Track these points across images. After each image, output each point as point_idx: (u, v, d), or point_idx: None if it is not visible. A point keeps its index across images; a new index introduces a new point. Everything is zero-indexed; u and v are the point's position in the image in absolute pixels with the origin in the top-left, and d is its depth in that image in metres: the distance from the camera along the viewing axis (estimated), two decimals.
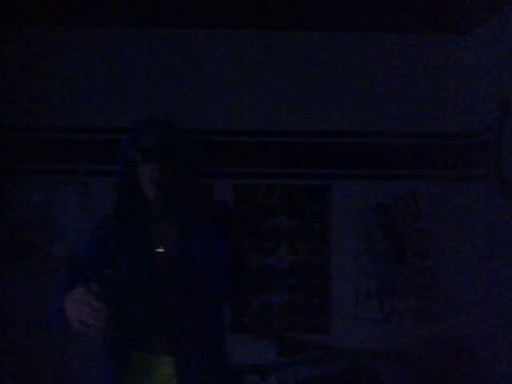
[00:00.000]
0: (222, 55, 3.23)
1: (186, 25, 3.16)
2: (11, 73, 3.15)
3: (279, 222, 3.23)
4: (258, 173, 3.23)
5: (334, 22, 3.12)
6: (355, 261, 3.22)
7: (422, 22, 3.08)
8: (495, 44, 2.92)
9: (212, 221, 1.61)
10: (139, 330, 1.55)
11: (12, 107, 3.15)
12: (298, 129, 3.24)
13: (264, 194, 3.23)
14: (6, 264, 3.10)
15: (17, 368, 3.02)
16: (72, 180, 3.17)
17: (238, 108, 3.21)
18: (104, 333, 1.45)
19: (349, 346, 3.11)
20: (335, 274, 3.21)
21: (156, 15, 3.03)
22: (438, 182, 3.24)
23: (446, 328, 3.16)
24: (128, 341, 1.54)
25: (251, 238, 3.21)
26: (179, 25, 3.16)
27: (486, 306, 2.98)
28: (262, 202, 3.23)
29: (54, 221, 3.14)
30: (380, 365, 2.95)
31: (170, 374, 1.54)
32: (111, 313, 1.38)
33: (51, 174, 3.17)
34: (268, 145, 3.23)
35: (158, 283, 1.56)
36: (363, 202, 3.23)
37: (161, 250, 1.60)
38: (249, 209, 3.22)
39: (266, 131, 3.23)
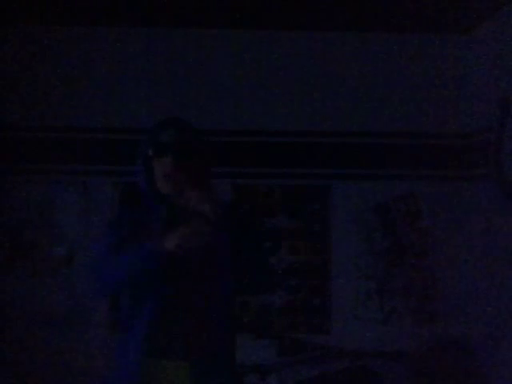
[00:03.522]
0: (222, 55, 3.23)
1: (186, 25, 3.17)
2: (11, 73, 3.15)
3: (279, 222, 3.23)
4: (258, 173, 3.23)
5: (334, 22, 3.12)
6: (355, 261, 3.22)
7: (422, 22, 3.08)
8: (495, 44, 2.92)
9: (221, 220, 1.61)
10: (154, 335, 1.55)
11: (12, 107, 3.15)
12: (298, 129, 3.25)
13: (264, 194, 3.23)
14: (5, 264, 3.11)
15: (17, 368, 3.02)
16: (72, 180, 3.17)
17: (238, 108, 3.21)
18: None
19: (349, 346, 3.11)
20: (335, 274, 3.21)
21: (156, 15, 3.03)
22: (438, 182, 3.24)
23: (445, 328, 3.16)
24: (142, 346, 1.54)
25: (251, 238, 3.21)
26: (179, 25, 3.16)
27: (485, 305, 2.98)
28: (262, 202, 3.23)
29: (54, 221, 3.14)
30: (380, 365, 2.95)
31: (184, 378, 1.54)
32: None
33: (51, 173, 3.17)
34: (268, 145, 3.23)
35: (171, 284, 1.56)
36: (363, 201, 3.23)
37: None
38: (249, 209, 3.22)
39: (265, 131, 3.23)
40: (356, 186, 3.23)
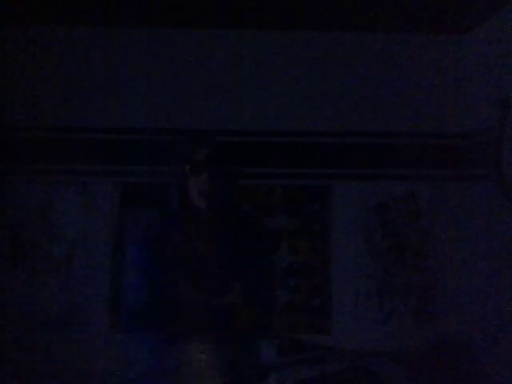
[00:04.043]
0: (222, 55, 3.23)
1: (186, 25, 3.17)
2: (11, 73, 3.15)
3: (279, 222, 3.23)
4: (258, 173, 3.23)
5: (334, 22, 3.12)
6: (355, 261, 3.22)
7: (422, 22, 3.08)
8: (495, 44, 2.92)
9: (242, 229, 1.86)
10: (193, 325, 1.72)
11: (12, 107, 3.15)
12: (298, 129, 3.24)
13: (264, 194, 3.23)
14: (5, 264, 3.11)
15: (17, 368, 3.02)
16: (72, 180, 3.17)
17: (238, 108, 3.21)
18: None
19: (349, 346, 3.11)
20: (335, 274, 3.21)
21: (156, 15, 3.03)
22: (438, 182, 3.24)
23: (445, 328, 3.16)
24: (182, 334, 1.73)
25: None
26: (179, 25, 3.17)
27: (485, 305, 2.98)
28: (262, 201, 3.23)
29: (54, 221, 3.14)
30: (380, 365, 2.95)
31: (216, 361, 1.72)
32: None
33: (51, 174, 3.17)
34: (268, 145, 3.23)
35: (206, 283, 1.73)
36: (363, 201, 3.23)
37: None
38: (249, 209, 3.21)
39: (266, 131, 3.23)
40: (356, 186, 3.23)
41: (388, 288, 3.21)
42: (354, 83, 3.25)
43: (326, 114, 3.24)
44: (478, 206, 3.08)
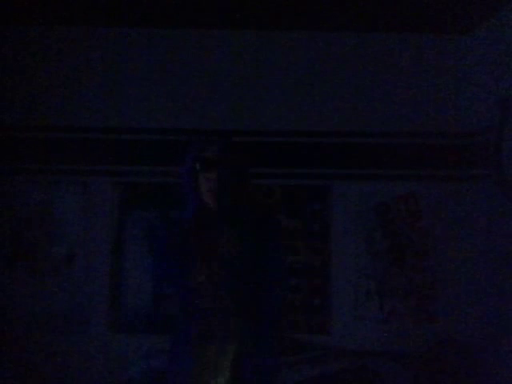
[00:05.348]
0: (222, 55, 3.23)
1: (186, 25, 3.17)
2: (11, 73, 3.15)
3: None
4: (258, 173, 3.23)
5: (334, 22, 3.12)
6: (355, 261, 3.22)
7: (422, 22, 3.08)
8: (495, 44, 2.92)
9: (263, 227, 1.82)
10: (205, 324, 1.75)
11: (12, 107, 3.15)
12: (298, 129, 3.24)
13: (264, 194, 3.23)
14: (5, 264, 3.11)
15: (17, 368, 3.02)
16: (72, 180, 3.17)
17: (237, 108, 3.21)
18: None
19: (349, 346, 3.11)
20: (335, 274, 3.21)
21: (156, 15, 3.03)
22: (438, 182, 3.24)
23: (446, 328, 3.17)
24: (196, 333, 1.75)
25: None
26: (179, 25, 3.17)
27: (485, 305, 2.98)
28: (262, 201, 3.23)
29: (54, 221, 3.14)
30: (380, 365, 2.95)
31: (229, 361, 1.74)
32: None
33: (51, 173, 3.17)
34: (268, 145, 3.23)
35: (219, 283, 1.74)
36: (363, 202, 3.23)
37: None
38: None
39: (266, 131, 3.23)
40: (356, 186, 3.23)
41: (388, 288, 3.21)
42: (353, 83, 3.25)
43: (325, 114, 3.24)
44: (478, 206, 3.08)
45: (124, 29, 3.20)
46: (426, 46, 3.26)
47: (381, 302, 3.21)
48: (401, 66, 3.25)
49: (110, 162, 3.16)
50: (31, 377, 3.00)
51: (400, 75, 3.25)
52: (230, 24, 3.14)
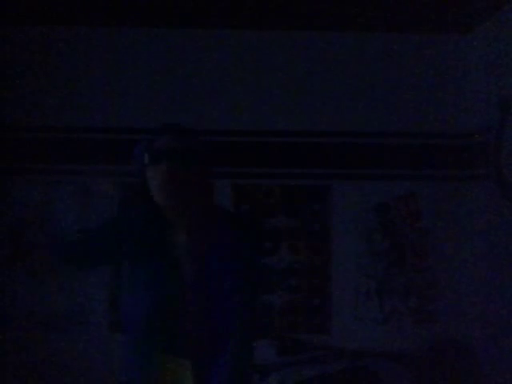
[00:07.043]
0: (222, 55, 3.23)
1: (186, 25, 3.17)
2: (11, 73, 3.15)
3: (279, 222, 3.23)
4: (258, 173, 3.23)
5: (334, 22, 3.12)
6: (355, 261, 3.22)
7: (422, 22, 3.08)
8: (495, 44, 2.92)
9: (225, 228, 1.58)
10: (160, 333, 1.53)
11: (12, 107, 3.15)
12: (298, 129, 3.24)
13: (264, 194, 3.23)
14: (6, 264, 3.11)
15: (17, 368, 3.02)
16: (72, 180, 3.17)
17: (238, 108, 3.21)
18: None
19: (349, 346, 3.10)
20: (335, 274, 3.21)
21: (156, 15, 3.03)
22: (438, 182, 3.24)
23: (446, 328, 3.16)
24: (150, 342, 1.52)
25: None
26: (179, 25, 3.16)
27: (486, 306, 2.98)
28: (262, 202, 3.23)
29: (54, 221, 3.14)
30: (380, 365, 2.95)
31: (189, 375, 1.52)
32: None
33: (51, 173, 3.17)
34: (268, 145, 3.23)
35: (175, 290, 1.53)
36: (363, 201, 3.23)
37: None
38: (249, 209, 3.22)
39: (265, 131, 3.23)
40: (356, 186, 3.23)
41: (388, 288, 3.21)
42: (353, 83, 3.25)
43: (326, 114, 3.24)
44: (478, 206, 3.08)
45: (124, 29, 3.20)
46: (426, 46, 3.25)
47: (381, 302, 3.21)
48: (400, 66, 3.25)
49: (110, 162, 3.16)
50: (31, 376, 3.00)
51: (400, 75, 3.25)
52: (230, 24, 3.14)
